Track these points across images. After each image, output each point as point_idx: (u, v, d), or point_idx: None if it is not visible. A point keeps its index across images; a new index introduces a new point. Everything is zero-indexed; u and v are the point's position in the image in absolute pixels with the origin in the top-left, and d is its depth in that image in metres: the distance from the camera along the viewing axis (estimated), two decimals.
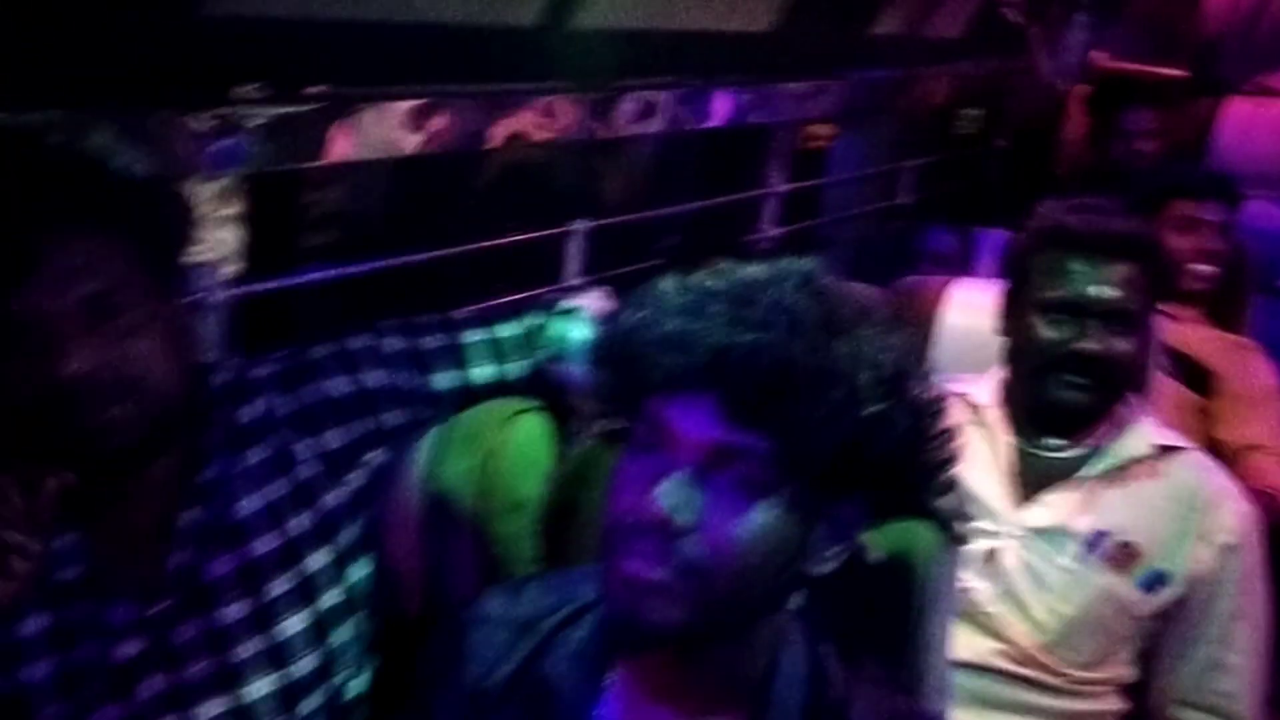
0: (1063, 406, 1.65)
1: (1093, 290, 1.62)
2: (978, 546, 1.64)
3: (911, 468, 0.95)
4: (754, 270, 0.93)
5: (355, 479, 1.33)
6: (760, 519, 0.88)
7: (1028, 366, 1.68)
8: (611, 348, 0.96)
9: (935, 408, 0.94)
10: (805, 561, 0.93)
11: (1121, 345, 1.62)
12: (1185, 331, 2.40)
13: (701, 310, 0.89)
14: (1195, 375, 2.34)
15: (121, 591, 1.20)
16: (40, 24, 1.23)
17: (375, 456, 1.34)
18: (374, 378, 1.34)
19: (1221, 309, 2.64)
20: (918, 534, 1.15)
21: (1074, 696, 1.63)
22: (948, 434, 0.96)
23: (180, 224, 1.27)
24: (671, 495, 0.87)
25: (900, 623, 1.14)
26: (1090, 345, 1.61)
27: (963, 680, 1.59)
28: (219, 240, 1.53)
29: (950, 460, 0.98)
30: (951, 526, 1.15)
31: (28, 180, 1.14)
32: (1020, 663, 1.63)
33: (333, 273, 1.77)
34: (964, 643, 1.61)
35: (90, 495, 1.20)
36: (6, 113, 1.25)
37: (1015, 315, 1.70)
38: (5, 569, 1.09)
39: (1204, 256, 2.56)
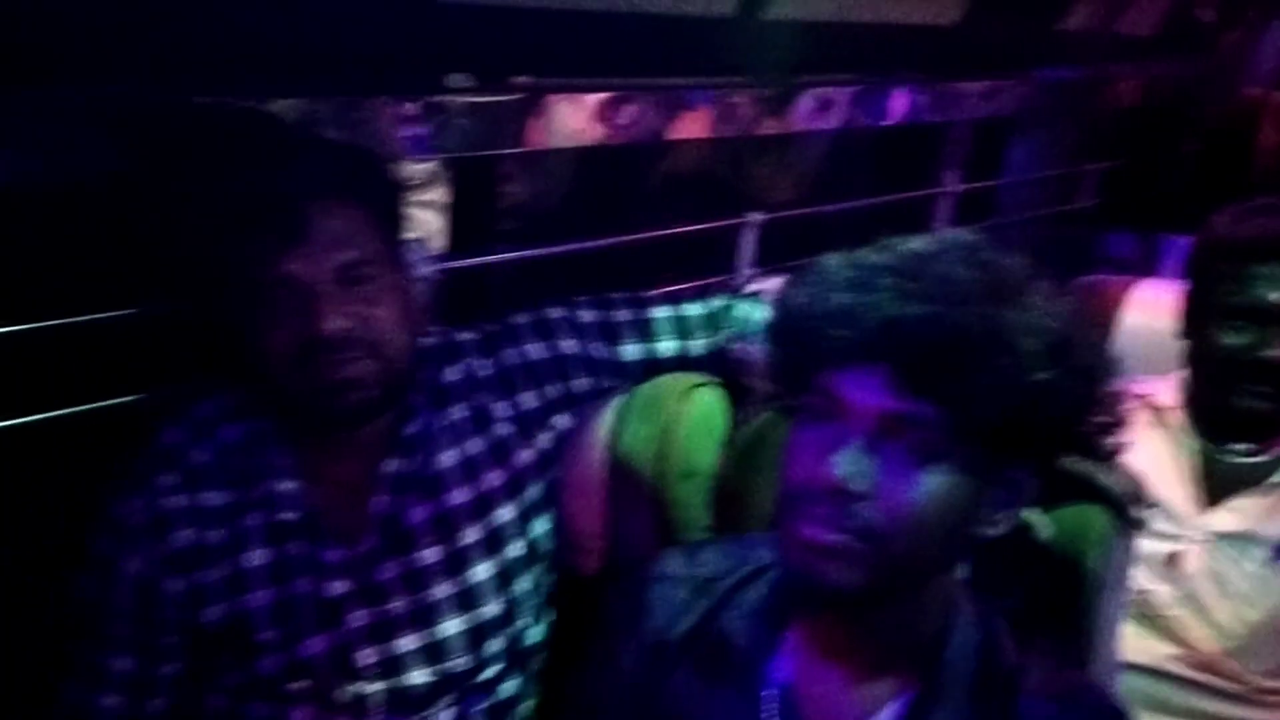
0: (1246, 414, 1.61)
1: (1275, 296, 1.57)
2: (1159, 549, 1.62)
3: (1080, 431, 0.96)
4: (919, 244, 0.96)
5: (544, 440, 1.42)
6: (932, 484, 0.91)
7: (1209, 374, 1.64)
8: (783, 323, 1.00)
9: (1102, 372, 0.95)
10: (976, 524, 0.96)
11: None
12: None
13: (869, 284, 0.92)
14: None
15: (333, 534, 1.32)
16: (264, 11, 1.34)
17: (563, 420, 1.43)
18: (567, 345, 1.43)
19: None
20: (1092, 517, 1.15)
21: (1253, 706, 1.59)
22: (1115, 397, 0.97)
23: (402, 200, 1.40)
24: (847, 463, 0.91)
25: (1071, 603, 1.15)
26: (1273, 353, 1.56)
27: (1138, 684, 1.58)
28: (425, 220, 1.64)
29: (1119, 424, 0.99)
30: (1126, 510, 1.15)
31: (297, 159, 1.27)
32: (1199, 668, 1.60)
33: (523, 254, 1.88)
34: (1140, 646, 1.59)
35: (311, 448, 1.33)
36: (249, 98, 1.39)
37: (1197, 320, 1.67)
38: None
39: None
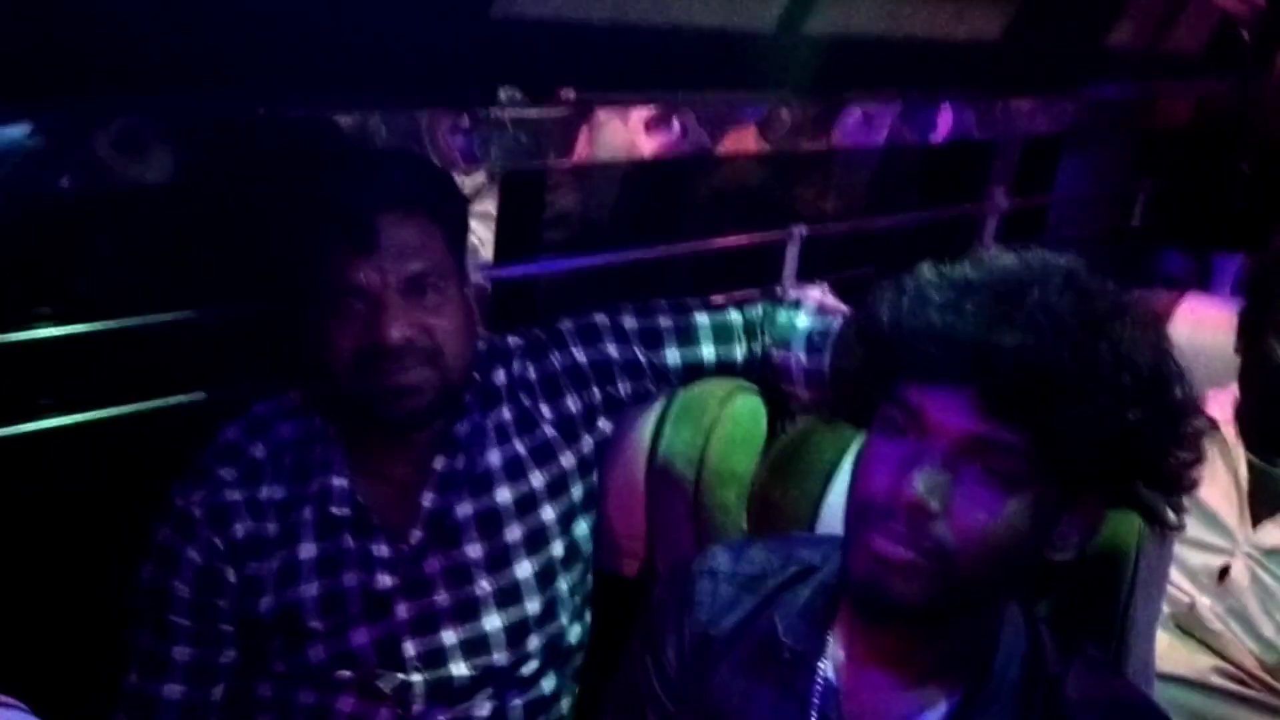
0: None
1: None
2: (1208, 563, 1.62)
3: (1164, 466, 0.96)
4: (1014, 264, 0.95)
5: (586, 443, 1.46)
6: (1008, 509, 0.91)
7: (1263, 389, 1.64)
8: (871, 332, 0.99)
9: (1192, 407, 0.95)
10: (1046, 550, 0.96)
11: None
12: None
13: (963, 305, 0.91)
14: None
15: (382, 529, 1.36)
16: (322, 23, 1.38)
17: (605, 423, 1.47)
18: (611, 350, 1.47)
19: None
20: (1128, 521, 1.16)
21: None
22: (1200, 434, 0.97)
23: (462, 211, 1.44)
24: (926, 482, 0.91)
25: (1107, 607, 1.15)
26: None
27: (1180, 696, 1.58)
28: (474, 230, 1.69)
29: (1200, 460, 0.98)
30: (1162, 515, 1.15)
31: (370, 172, 1.32)
32: (1242, 682, 1.59)
33: (570, 263, 1.92)
34: (1184, 658, 1.59)
35: (364, 446, 1.37)
36: (309, 105, 1.43)
37: (1252, 337, 1.66)
38: None
39: None
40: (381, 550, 1.36)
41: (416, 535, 1.37)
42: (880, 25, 1.94)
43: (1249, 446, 1.67)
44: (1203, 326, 1.91)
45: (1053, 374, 0.87)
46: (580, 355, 1.46)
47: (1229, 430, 1.69)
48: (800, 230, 2.19)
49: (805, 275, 2.21)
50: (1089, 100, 2.75)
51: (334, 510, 1.35)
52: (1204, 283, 3.04)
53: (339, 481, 1.35)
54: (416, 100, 1.54)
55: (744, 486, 1.43)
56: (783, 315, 1.51)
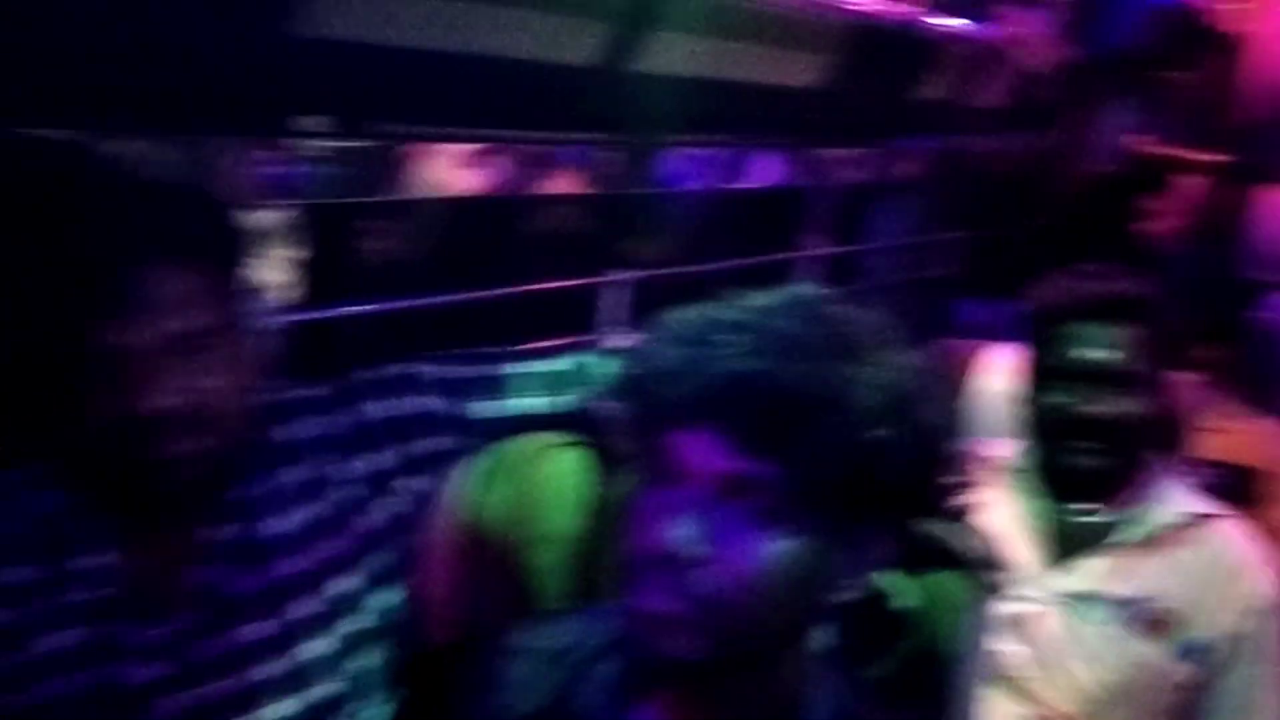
0: (1074, 472, 1.66)
1: (1092, 354, 1.63)
2: (1008, 610, 1.64)
3: (923, 491, 0.94)
4: (759, 299, 0.93)
5: (394, 503, 1.34)
6: (774, 548, 0.87)
7: (1039, 433, 1.69)
8: (625, 382, 0.96)
9: (944, 430, 0.94)
10: (825, 589, 0.92)
11: (1126, 407, 1.62)
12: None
13: (705, 340, 0.89)
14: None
15: (146, 611, 1.20)
16: (107, 43, 1.25)
17: (411, 482, 1.36)
18: (414, 404, 1.36)
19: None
20: (950, 585, 1.15)
21: None
22: (958, 457, 0.96)
23: (248, 253, 1.29)
24: (681, 529, 0.86)
25: (929, 670, 1.14)
26: (1092, 409, 1.62)
27: None
28: (273, 268, 1.57)
29: (963, 485, 0.98)
30: (980, 576, 1.15)
31: (127, 209, 1.14)
32: None
33: (379, 307, 1.82)
34: (998, 707, 1.60)
35: (128, 516, 1.21)
36: (71, 131, 1.29)
37: (1028, 382, 1.72)
38: None
39: None
40: (145, 635, 1.19)
41: (185, 616, 1.21)
42: (699, 69, 1.93)
43: (1043, 492, 1.71)
44: (1004, 376, 1.97)
45: (791, 399, 0.85)
46: (380, 410, 1.34)
47: (1024, 477, 1.73)
48: (620, 275, 2.16)
49: (636, 321, 2.18)
50: (899, 152, 2.86)
51: (92, 592, 1.18)
52: (1004, 331, 3.19)
53: (97, 559, 1.19)
54: (208, 127, 1.41)
55: (567, 547, 1.35)
56: (601, 365, 1.45)
